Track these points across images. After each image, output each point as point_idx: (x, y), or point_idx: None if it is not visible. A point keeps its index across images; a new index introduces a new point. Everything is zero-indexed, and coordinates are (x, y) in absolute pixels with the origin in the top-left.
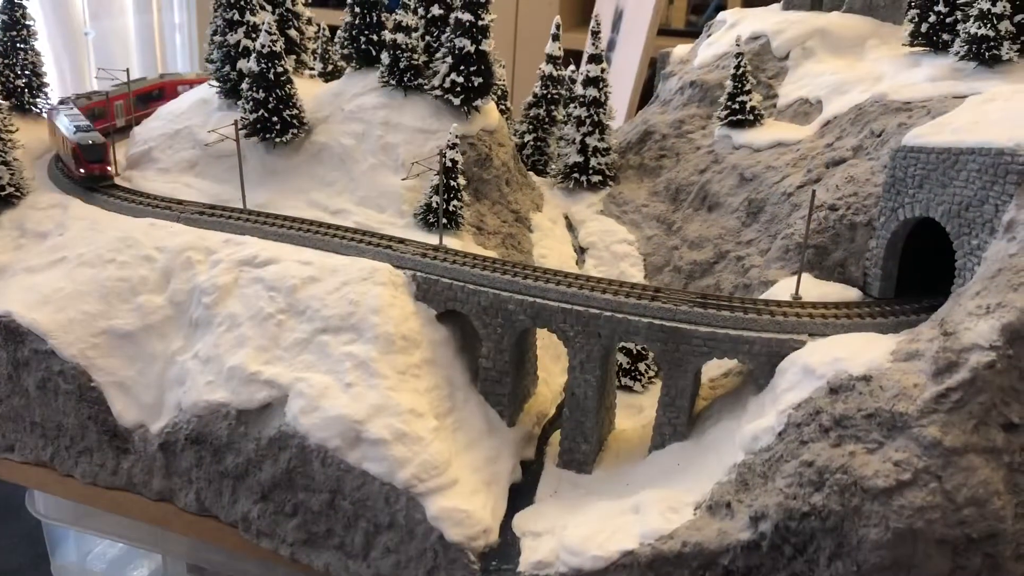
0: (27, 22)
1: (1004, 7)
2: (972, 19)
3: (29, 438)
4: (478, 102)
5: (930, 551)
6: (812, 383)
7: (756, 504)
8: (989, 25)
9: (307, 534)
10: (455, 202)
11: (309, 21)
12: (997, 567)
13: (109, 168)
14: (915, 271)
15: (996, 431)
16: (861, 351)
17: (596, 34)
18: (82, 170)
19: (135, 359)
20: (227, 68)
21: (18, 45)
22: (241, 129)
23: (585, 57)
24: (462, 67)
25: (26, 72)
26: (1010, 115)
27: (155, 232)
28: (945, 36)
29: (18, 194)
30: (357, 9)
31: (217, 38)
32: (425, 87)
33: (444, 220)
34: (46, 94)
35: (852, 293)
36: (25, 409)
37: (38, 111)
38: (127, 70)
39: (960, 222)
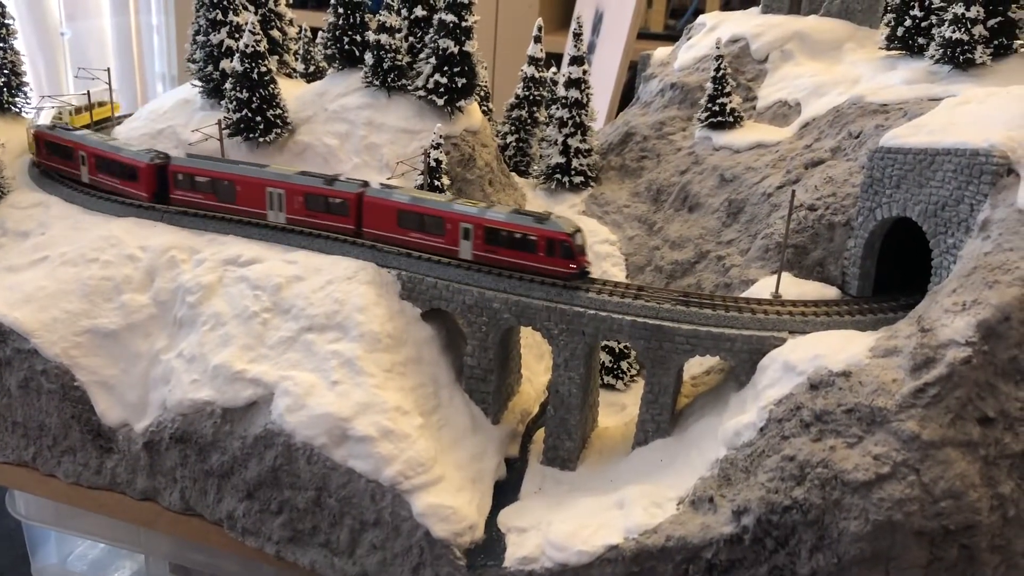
0: (7, 21)
1: (978, 12)
2: (947, 23)
3: (11, 438)
4: (461, 103)
5: (908, 543)
6: (793, 379)
7: (738, 498)
8: (963, 29)
9: (293, 532)
10: None
11: (291, 22)
12: (973, 558)
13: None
14: (892, 270)
15: (972, 425)
16: (840, 348)
17: (578, 36)
18: (573, 266)
19: (119, 358)
20: (209, 68)
21: None
22: (224, 129)
23: (566, 59)
24: (446, 68)
25: (4, 71)
26: (984, 117)
27: (138, 231)
28: (920, 40)
29: None
30: (340, 10)
31: (200, 38)
32: (409, 88)
33: None
34: (25, 93)
35: (831, 291)
36: (7, 409)
37: (17, 110)
38: (108, 70)
39: (936, 221)
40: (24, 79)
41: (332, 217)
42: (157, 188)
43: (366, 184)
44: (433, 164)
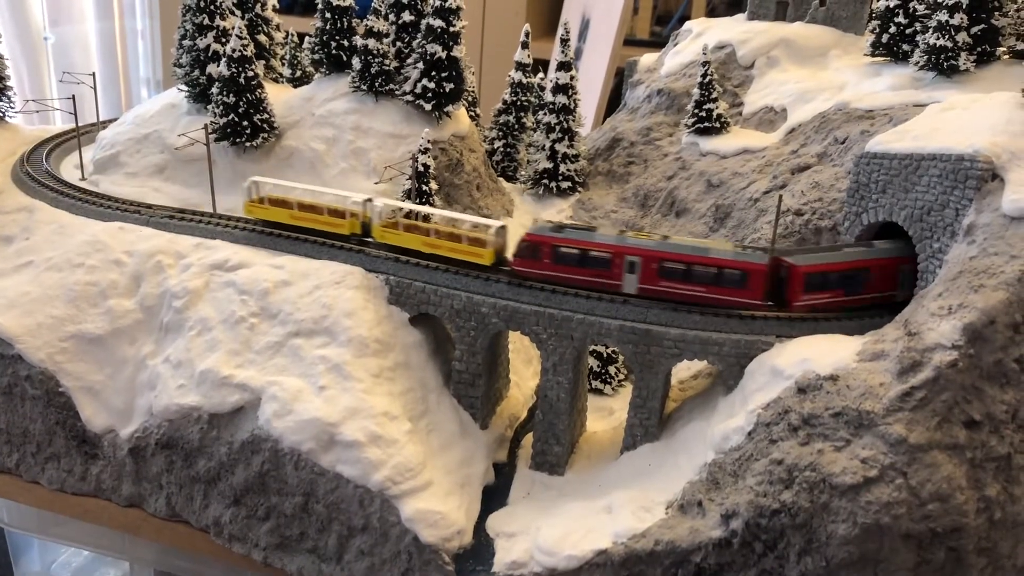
0: None
1: (961, 19)
2: (931, 30)
3: None
4: (449, 108)
5: (896, 546)
6: (780, 383)
7: (727, 502)
8: (947, 36)
9: (280, 538)
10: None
11: (278, 27)
12: (960, 561)
13: None
14: None
15: (959, 428)
16: (828, 352)
17: (565, 42)
18: None
19: (104, 364)
20: (196, 72)
21: None
22: (211, 133)
23: (553, 64)
24: (433, 73)
25: None
26: (968, 122)
27: (124, 236)
28: (905, 47)
29: None
30: (328, 15)
31: (186, 42)
32: (396, 92)
33: None
34: (8, 98)
35: None
36: None
37: (0, 115)
38: (92, 74)
39: (922, 226)
40: (8, 83)
41: None
42: (768, 289)
43: None
44: (421, 169)
